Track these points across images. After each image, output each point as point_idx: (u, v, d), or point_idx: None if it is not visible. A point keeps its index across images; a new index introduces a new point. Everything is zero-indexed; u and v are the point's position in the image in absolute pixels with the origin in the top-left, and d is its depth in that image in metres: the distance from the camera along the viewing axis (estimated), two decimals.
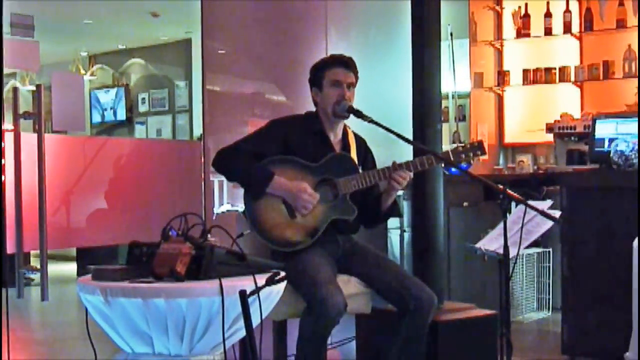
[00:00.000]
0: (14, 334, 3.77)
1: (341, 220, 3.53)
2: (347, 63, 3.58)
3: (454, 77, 7.51)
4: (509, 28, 7.76)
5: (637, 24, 6.69)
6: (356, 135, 3.74)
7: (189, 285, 2.65)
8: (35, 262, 4.06)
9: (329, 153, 3.56)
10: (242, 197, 3.54)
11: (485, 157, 3.75)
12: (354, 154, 3.63)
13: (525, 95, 7.76)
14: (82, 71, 11.65)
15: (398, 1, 5.09)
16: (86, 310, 2.80)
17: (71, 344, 5.20)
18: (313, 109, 3.68)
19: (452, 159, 3.52)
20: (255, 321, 2.64)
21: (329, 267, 3.42)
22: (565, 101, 7.38)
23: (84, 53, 11.98)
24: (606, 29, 7.17)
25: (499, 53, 7.86)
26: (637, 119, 4.62)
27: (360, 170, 3.58)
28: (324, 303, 3.16)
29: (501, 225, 3.17)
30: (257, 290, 2.61)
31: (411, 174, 3.52)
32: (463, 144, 3.61)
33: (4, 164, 3.72)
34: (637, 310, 3.73)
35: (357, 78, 3.61)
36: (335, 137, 3.65)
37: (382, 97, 4.88)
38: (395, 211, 3.69)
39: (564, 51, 7.44)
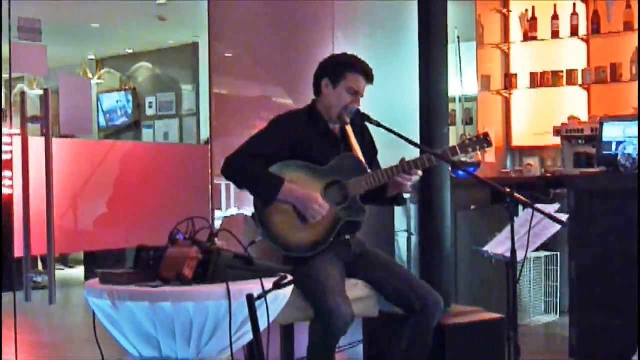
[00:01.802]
0: (22, 337, 3.77)
1: (352, 221, 3.53)
2: (370, 76, 3.57)
3: (461, 80, 7.51)
4: (516, 31, 7.75)
5: None
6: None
7: (196, 289, 2.65)
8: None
9: (333, 148, 3.56)
10: (249, 200, 3.54)
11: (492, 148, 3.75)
12: (353, 140, 3.60)
13: (532, 98, 7.75)
14: (90, 75, 11.65)
15: (405, 4, 5.09)
16: (93, 313, 2.80)
17: (79, 347, 5.21)
18: None
19: (459, 152, 3.52)
20: (263, 325, 2.64)
21: (338, 275, 3.42)
22: (572, 104, 7.37)
23: (92, 57, 12.01)
24: (613, 31, 7.16)
25: (506, 56, 7.86)
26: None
27: (358, 150, 3.57)
28: (331, 315, 3.17)
29: (508, 228, 3.17)
30: (265, 293, 2.60)
31: (420, 172, 3.52)
32: (470, 137, 3.61)
33: (7, 164, 3.73)
34: None
35: None
36: (335, 128, 3.63)
37: (389, 100, 4.87)
38: (401, 200, 3.69)
39: (571, 54, 7.43)
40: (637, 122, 4.72)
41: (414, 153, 3.67)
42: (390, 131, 3.42)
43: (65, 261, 10.06)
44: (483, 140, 3.55)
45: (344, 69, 3.56)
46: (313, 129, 3.58)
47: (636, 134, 4.58)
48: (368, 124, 3.63)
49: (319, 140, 3.57)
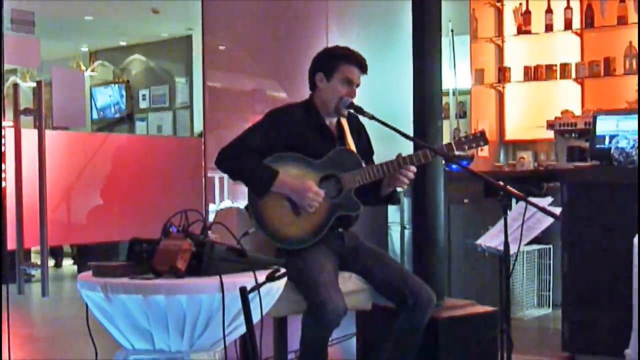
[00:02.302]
0: (15, 330, 3.76)
1: (345, 215, 3.53)
2: (363, 65, 3.56)
3: (455, 74, 7.51)
4: (509, 24, 7.76)
5: (637, 20, 6.69)
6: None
7: (189, 281, 2.65)
8: (36, 259, 4.07)
9: (329, 143, 3.56)
10: (242, 193, 3.53)
11: (487, 147, 3.75)
12: (349, 137, 3.61)
13: (526, 92, 7.76)
14: (83, 67, 11.64)
15: None
16: (87, 306, 2.80)
17: (72, 340, 5.20)
18: None
19: (454, 149, 3.52)
20: (256, 317, 2.64)
21: (331, 267, 3.41)
22: (566, 98, 7.38)
23: (85, 49, 11.98)
24: (607, 25, 7.17)
25: (500, 50, 7.86)
26: (637, 115, 4.62)
27: (354, 148, 3.57)
28: (323, 307, 3.16)
29: (501, 222, 3.17)
30: (258, 286, 2.61)
31: (414, 168, 3.51)
32: (465, 134, 3.60)
33: (4, 157, 3.72)
34: (638, 306, 3.73)
35: None
36: (331, 123, 3.64)
37: (383, 94, 4.87)
38: (395, 199, 3.69)
39: (565, 48, 7.44)
40: (629, 116, 4.73)
41: (408, 146, 3.67)
42: (383, 124, 3.42)
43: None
44: (479, 138, 3.54)
45: (337, 61, 3.55)
46: (309, 123, 3.57)
47: (629, 127, 4.59)
48: (363, 118, 3.63)
49: (314, 134, 3.56)
